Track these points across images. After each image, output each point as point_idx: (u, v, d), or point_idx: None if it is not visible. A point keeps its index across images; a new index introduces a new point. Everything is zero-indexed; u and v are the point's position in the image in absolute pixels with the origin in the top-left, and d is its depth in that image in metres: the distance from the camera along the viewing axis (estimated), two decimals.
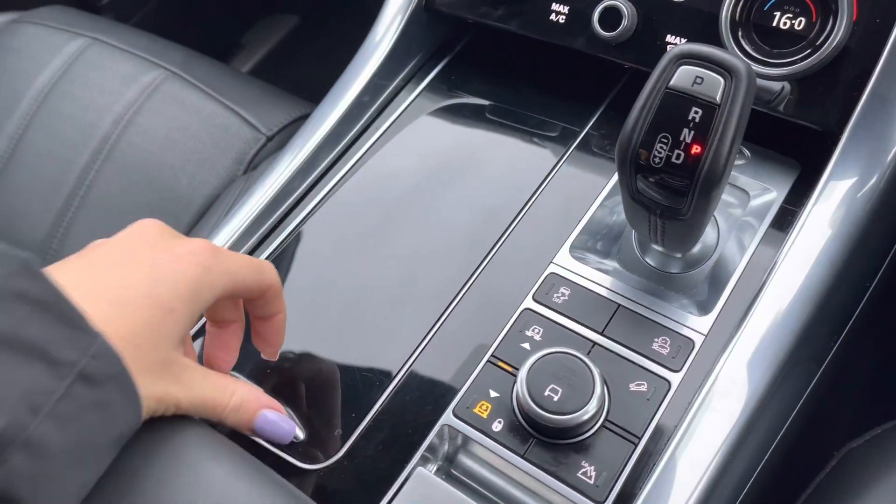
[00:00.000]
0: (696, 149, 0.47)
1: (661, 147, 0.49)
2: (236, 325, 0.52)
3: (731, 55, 0.47)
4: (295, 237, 0.69)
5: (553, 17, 0.69)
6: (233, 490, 0.41)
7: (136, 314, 0.39)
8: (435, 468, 0.53)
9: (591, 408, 0.50)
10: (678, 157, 0.48)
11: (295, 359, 0.60)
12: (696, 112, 0.47)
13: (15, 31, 1.14)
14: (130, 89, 1.02)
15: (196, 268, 0.42)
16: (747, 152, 0.65)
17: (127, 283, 0.40)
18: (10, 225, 1.00)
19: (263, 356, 0.56)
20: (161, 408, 0.41)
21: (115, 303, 0.38)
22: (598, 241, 0.63)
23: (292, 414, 0.55)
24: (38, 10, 1.18)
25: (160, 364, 0.40)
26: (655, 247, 0.61)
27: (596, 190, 0.65)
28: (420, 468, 0.52)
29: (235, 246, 0.68)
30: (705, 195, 0.49)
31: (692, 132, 0.48)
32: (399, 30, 0.76)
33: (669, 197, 0.50)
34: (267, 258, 0.69)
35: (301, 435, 0.54)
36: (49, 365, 0.33)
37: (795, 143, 0.64)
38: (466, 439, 0.53)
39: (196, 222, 0.92)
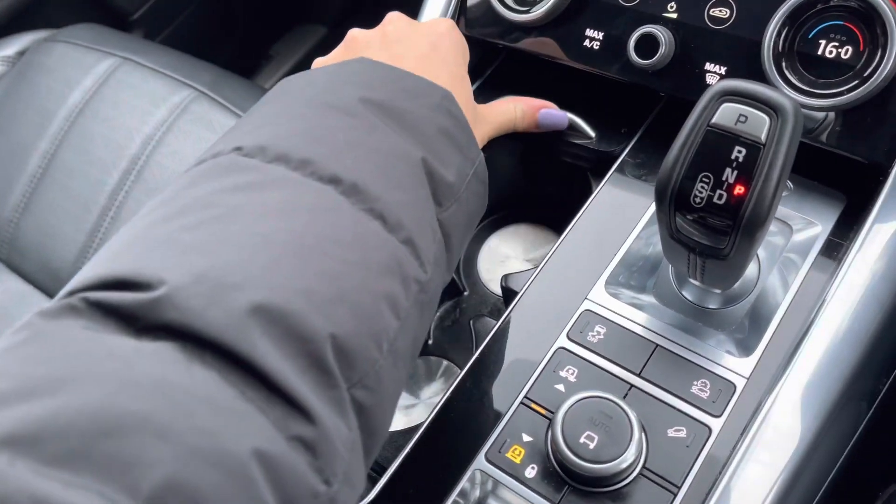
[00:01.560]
0: (739, 189, 0.46)
1: (703, 187, 0.47)
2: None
3: (777, 92, 0.45)
4: None
5: (587, 43, 0.67)
6: None
7: (462, 94, 0.56)
8: None
9: (629, 456, 0.49)
10: (720, 197, 0.46)
11: None
12: (740, 152, 0.45)
13: (48, 50, 1.15)
14: (160, 109, 1.02)
15: (450, 34, 0.59)
16: (790, 184, 0.62)
17: (438, 69, 0.55)
18: (42, 243, 1.01)
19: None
20: (480, 141, 0.58)
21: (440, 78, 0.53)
22: (633, 275, 0.62)
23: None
24: (70, 28, 1.19)
25: (474, 120, 0.56)
26: (693, 282, 0.59)
27: (632, 221, 0.63)
28: None
29: None
30: (748, 237, 0.47)
31: (735, 172, 0.46)
32: None
33: (711, 236, 0.49)
34: None
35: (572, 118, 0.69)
36: (465, 157, 0.50)
37: (840, 174, 0.61)
38: (498, 485, 0.52)
39: None
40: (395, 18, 0.60)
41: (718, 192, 0.46)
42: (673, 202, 0.48)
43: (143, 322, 0.33)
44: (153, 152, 0.99)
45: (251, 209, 0.38)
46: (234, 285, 0.34)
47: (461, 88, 0.57)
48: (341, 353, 0.36)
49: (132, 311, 0.33)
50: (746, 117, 0.45)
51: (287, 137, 0.42)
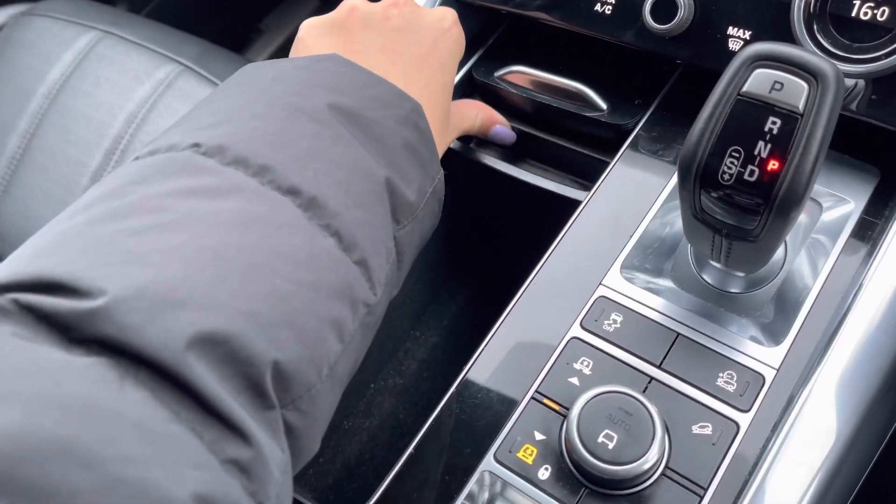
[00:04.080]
0: (773, 165, 0.41)
1: (732, 162, 0.43)
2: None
3: (817, 56, 0.40)
4: None
5: (598, 7, 0.62)
6: None
7: (443, 102, 0.55)
8: None
9: (652, 456, 0.45)
10: (752, 173, 0.42)
11: None
12: (774, 122, 0.41)
13: (26, 24, 1.09)
14: (143, 86, 0.97)
15: (451, 32, 0.57)
16: None
17: (412, 76, 0.53)
18: (23, 227, 0.97)
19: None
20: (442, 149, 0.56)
21: (420, 95, 0.52)
22: (649, 258, 0.57)
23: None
24: (49, 2, 1.14)
25: (445, 129, 0.56)
26: (715, 264, 0.55)
27: (648, 201, 0.58)
28: None
29: None
30: (782, 217, 0.43)
31: (769, 146, 0.41)
32: None
33: (739, 216, 0.44)
34: None
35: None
36: (426, 174, 0.48)
37: (873, 146, 0.57)
38: (509, 487, 0.48)
39: None
40: (402, 1, 0.57)
41: (750, 167, 0.42)
42: (699, 179, 0.44)
43: (76, 333, 0.31)
44: (137, 131, 0.94)
45: (203, 218, 0.36)
46: (177, 303, 0.32)
47: (443, 96, 0.55)
48: (280, 378, 0.35)
49: (66, 321, 0.31)
50: (782, 84, 0.41)
51: (249, 139, 0.40)
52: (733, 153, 0.42)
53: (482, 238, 0.85)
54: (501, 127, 0.67)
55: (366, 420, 0.78)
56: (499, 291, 0.60)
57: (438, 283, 0.86)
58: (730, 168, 0.43)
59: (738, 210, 0.44)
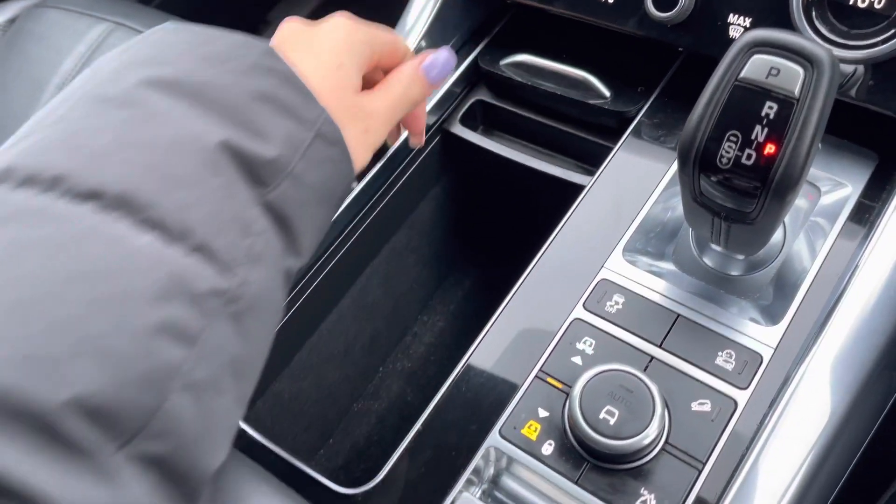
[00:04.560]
0: (769, 148, 0.43)
1: (730, 146, 0.44)
2: (419, 112, 0.59)
3: (812, 42, 0.41)
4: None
5: None
6: None
7: (319, 82, 0.45)
8: (479, 491, 0.50)
9: (652, 431, 0.46)
10: (749, 157, 0.43)
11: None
12: (771, 107, 0.42)
13: (38, 16, 1.11)
14: None
15: (341, 29, 0.49)
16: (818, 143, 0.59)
17: (305, 64, 0.45)
18: None
19: (411, 142, 0.61)
20: (371, 142, 0.48)
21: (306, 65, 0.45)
22: (651, 241, 0.59)
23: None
24: None
25: (351, 109, 0.47)
26: (715, 247, 0.56)
27: (650, 186, 0.60)
28: (465, 493, 0.49)
29: None
30: (779, 199, 0.44)
31: (766, 130, 0.43)
32: (434, 12, 0.71)
33: (737, 200, 0.46)
34: None
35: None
36: (298, 120, 0.41)
37: (871, 131, 0.58)
38: (514, 462, 0.49)
39: None
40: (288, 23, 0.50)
41: (747, 151, 0.43)
42: (697, 163, 0.45)
43: None
44: None
45: None
46: None
47: (332, 76, 0.47)
48: (95, 415, 0.30)
49: None
50: (779, 70, 0.42)
51: (42, 151, 0.35)
52: (731, 137, 0.44)
53: (489, 224, 0.87)
54: (429, 60, 0.54)
55: (374, 402, 0.80)
56: (505, 277, 0.61)
57: (445, 270, 0.87)
58: (728, 152, 0.44)
59: (737, 193, 0.45)
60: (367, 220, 0.69)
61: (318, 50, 0.47)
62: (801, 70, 0.42)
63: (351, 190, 0.47)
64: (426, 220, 0.78)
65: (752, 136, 0.43)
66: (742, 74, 0.43)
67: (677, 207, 0.60)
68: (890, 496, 0.59)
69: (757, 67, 0.42)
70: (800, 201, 0.58)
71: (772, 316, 0.52)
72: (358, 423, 0.79)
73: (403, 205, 0.74)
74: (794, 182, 0.43)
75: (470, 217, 0.85)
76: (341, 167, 0.44)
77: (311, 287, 0.67)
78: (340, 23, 0.49)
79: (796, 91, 0.42)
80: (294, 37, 0.48)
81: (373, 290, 0.74)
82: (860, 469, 0.55)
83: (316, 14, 1.73)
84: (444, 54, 0.54)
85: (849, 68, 0.56)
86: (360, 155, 0.47)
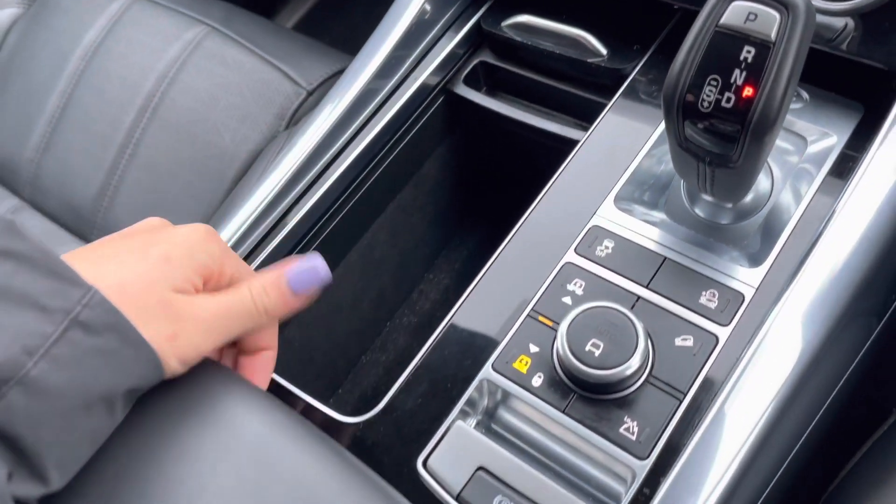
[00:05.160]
0: (747, 91, 0.45)
1: (711, 90, 0.46)
2: (270, 354, 0.49)
3: None
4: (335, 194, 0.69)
5: None
6: (275, 445, 0.40)
7: (126, 267, 0.39)
8: (474, 423, 0.53)
9: (634, 363, 0.49)
10: (728, 100, 0.45)
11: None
12: (749, 51, 0.44)
13: None
14: (173, 47, 1.02)
15: (194, 233, 0.43)
16: (806, 95, 0.61)
17: (119, 249, 0.40)
18: (63, 182, 1.03)
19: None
20: (182, 351, 0.39)
21: (105, 261, 0.39)
22: (644, 192, 0.61)
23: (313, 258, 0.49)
24: None
25: (158, 305, 0.39)
26: (705, 196, 0.58)
27: (642, 138, 0.62)
28: (459, 422, 0.52)
29: (275, 201, 0.68)
30: (757, 141, 0.46)
31: (744, 73, 0.45)
32: None
33: (719, 144, 0.48)
34: (307, 213, 0.68)
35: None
36: (41, 311, 0.33)
37: (859, 84, 0.60)
38: (506, 394, 0.52)
39: (239, 178, 0.92)
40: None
41: (727, 94, 0.45)
42: (681, 108, 0.47)
43: None
44: (168, 89, 0.99)
45: None
46: None
47: (150, 267, 0.40)
48: None
49: None
50: (756, 15, 0.44)
51: None
52: (711, 82, 0.46)
53: (492, 185, 0.89)
54: (296, 267, 0.46)
55: (382, 355, 0.83)
56: (508, 235, 0.64)
57: (451, 229, 0.90)
58: (709, 96, 0.46)
59: (718, 137, 0.47)
60: (374, 176, 0.72)
61: (156, 240, 0.41)
62: (777, 15, 0.44)
63: (161, 380, 0.39)
64: (431, 179, 0.80)
65: (732, 80, 0.45)
66: (722, 21, 0.45)
67: (670, 160, 0.62)
68: (879, 436, 0.61)
69: (736, 13, 0.45)
70: (788, 152, 0.60)
71: (756, 259, 0.55)
72: (366, 374, 0.82)
73: (409, 163, 0.77)
74: (770, 123, 0.45)
75: (474, 178, 0.88)
76: (121, 357, 0.36)
77: (320, 238, 0.70)
78: (202, 227, 0.44)
79: (773, 35, 0.44)
80: (144, 226, 0.43)
81: (380, 245, 0.78)
82: (847, 410, 0.58)
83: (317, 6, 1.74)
84: (313, 265, 0.46)
85: (839, 22, 0.58)
86: (167, 364, 0.39)
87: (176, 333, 0.39)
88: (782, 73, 0.44)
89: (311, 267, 0.46)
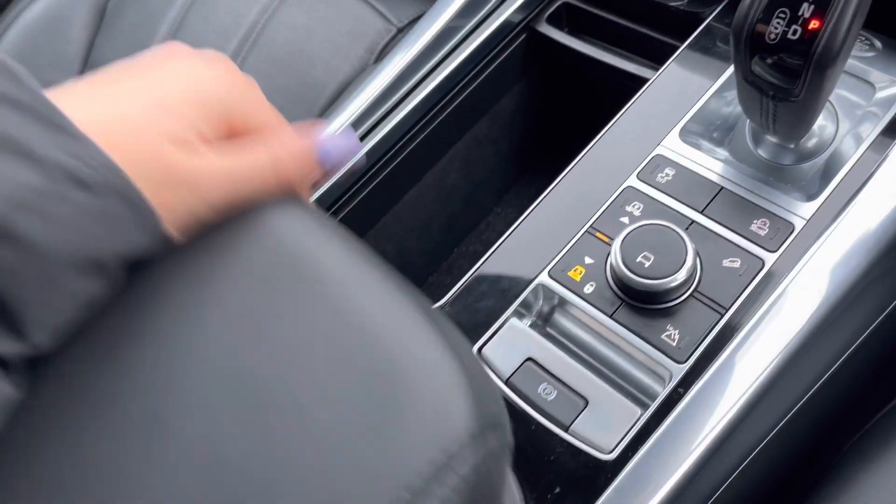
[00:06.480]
0: (814, 24, 0.47)
1: (778, 23, 0.49)
2: None
3: None
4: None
5: None
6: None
7: (118, 108, 0.34)
8: (529, 323, 0.58)
9: (681, 276, 0.53)
10: (794, 32, 0.48)
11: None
12: None
13: None
14: None
15: (208, 69, 0.37)
16: (878, 43, 0.62)
17: (114, 87, 0.35)
18: None
19: None
20: (179, 217, 0.34)
21: (95, 102, 0.34)
22: (711, 131, 0.64)
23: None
24: None
25: (151, 161, 0.33)
26: (769, 137, 0.61)
27: (712, 78, 0.65)
28: (514, 319, 0.57)
29: (355, 125, 0.74)
30: (819, 74, 0.48)
31: (812, 6, 0.47)
32: None
33: (783, 77, 0.50)
34: (385, 136, 0.74)
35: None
36: (34, 163, 0.30)
37: None
38: (560, 299, 0.57)
39: (328, 107, 0.99)
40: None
41: (793, 27, 0.48)
42: (749, 41, 0.50)
43: None
44: (269, 20, 1.06)
45: None
46: None
47: (153, 119, 0.34)
48: None
49: None
50: None
51: None
52: (780, 14, 0.49)
53: (564, 124, 0.93)
54: (331, 140, 0.40)
55: (447, 278, 0.89)
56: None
57: (522, 166, 0.94)
58: (776, 28, 0.49)
59: (783, 72, 0.50)
60: (451, 107, 0.77)
61: (160, 79, 0.35)
62: None
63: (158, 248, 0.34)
64: (508, 113, 0.85)
65: (799, 13, 0.48)
66: None
67: (737, 103, 0.64)
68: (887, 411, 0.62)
69: None
70: (854, 98, 0.61)
71: (811, 195, 0.57)
72: (431, 295, 0.88)
73: (487, 96, 0.81)
74: (833, 56, 0.47)
75: (548, 117, 0.91)
76: (127, 227, 0.32)
77: (397, 160, 0.76)
78: (220, 64, 0.38)
79: None
80: (159, 52, 0.37)
81: (452, 173, 0.83)
82: (864, 367, 0.59)
83: None
84: (348, 140, 0.40)
85: None
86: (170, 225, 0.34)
87: (169, 199, 0.34)
88: (848, 8, 0.46)
89: (348, 144, 0.40)
